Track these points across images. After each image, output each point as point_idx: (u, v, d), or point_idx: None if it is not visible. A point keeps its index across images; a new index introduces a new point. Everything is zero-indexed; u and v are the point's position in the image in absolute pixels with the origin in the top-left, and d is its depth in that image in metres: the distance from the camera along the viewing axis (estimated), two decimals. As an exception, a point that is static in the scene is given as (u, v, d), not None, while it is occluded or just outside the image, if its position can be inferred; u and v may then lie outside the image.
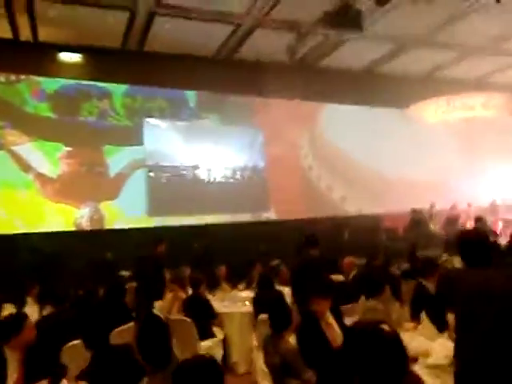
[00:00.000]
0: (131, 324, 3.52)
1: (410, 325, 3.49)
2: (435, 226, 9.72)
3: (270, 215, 9.75)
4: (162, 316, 3.37)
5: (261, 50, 9.45)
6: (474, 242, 2.55)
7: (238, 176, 9.65)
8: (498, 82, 12.33)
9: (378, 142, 10.66)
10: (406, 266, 5.65)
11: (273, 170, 9.90)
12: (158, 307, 4.23)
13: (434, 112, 11.96)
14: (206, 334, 4.13)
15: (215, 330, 4.39)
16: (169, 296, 4.59)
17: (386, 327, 1.48)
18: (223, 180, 9.54)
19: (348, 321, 3.19)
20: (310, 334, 3.18)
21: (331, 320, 3.18)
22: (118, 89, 9.15)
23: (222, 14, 8.05)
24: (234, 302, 4.97)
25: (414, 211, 9.64)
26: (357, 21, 7.35)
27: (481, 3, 8.04)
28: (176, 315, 4.15)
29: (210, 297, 4.97)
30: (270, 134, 10.00)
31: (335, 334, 3.09)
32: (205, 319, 4.20)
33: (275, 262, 6.52)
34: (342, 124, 10.48)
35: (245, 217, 9.48)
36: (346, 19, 7.33)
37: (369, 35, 9.02)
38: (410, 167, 10.83)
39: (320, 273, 4.30)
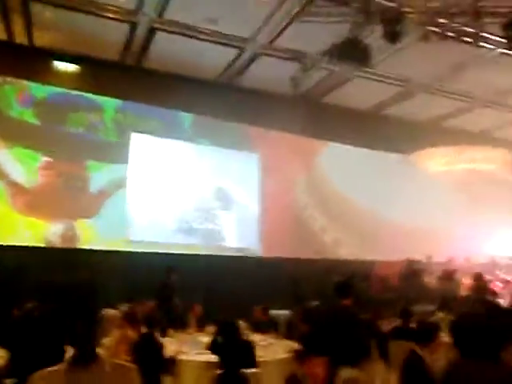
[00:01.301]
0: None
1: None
2: (431, 279, 9.15)
3: (258, 251, 9.18)
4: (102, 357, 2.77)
5: (264, 78, 9.16)
6: (470, 327, 2.15)
7: (227, 205, 9.13)
8: (500, 137, 12.08)
9: (377, 186, 10.24)
10: (397, 322, 5.06)
11: (266, 204, 9.41)
12: (107, 345, 3.63)
13: (437, 161, 11.64)
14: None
15: (167, 379, 3.74)
16: (116, 334, 3.96)
17: None
18: (211, 206, 9.02)
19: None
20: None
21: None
22: (110, 103, 8.76)
23: (227, 36, 7.80)
24: (196, 348, 4.29)
25: (410, 261, 9.10)
26: (365, 57, 7.01)
27: (491, 54, 7.84)
28: (122, 358, 3.53)
29: (169, 339, 4.34)
30: (266, 167, 9.56)
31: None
32: (154, 366, 3.57)
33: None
34: (343, 164, 10.07)
35: (231, 250, 8.94)
36: (353, 53, 7.01)
37: (376, 74, 8.82)
38: (408, 214, 10.37)
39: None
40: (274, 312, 6.41)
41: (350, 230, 9.89)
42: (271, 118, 9.31)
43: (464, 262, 10.75)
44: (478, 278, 7.60)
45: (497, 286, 9.84)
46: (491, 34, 7.10)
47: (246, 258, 8.96)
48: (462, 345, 2.14)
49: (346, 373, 2.43)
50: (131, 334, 4.00)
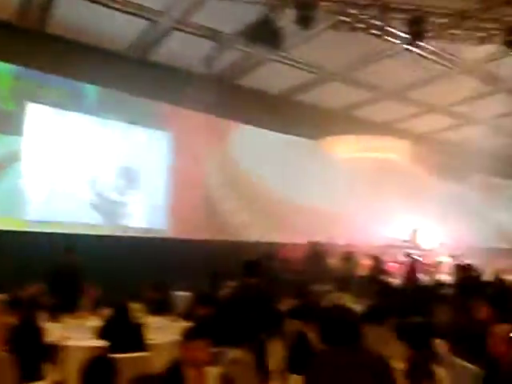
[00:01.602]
0: None
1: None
2: (332, 261, 9.60)
3: (164, 231, 8.98)
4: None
5: (177, 54, 8.87)
6: (335, 319, 2.33)
7: (133, 183, 8.78)
8: (403, 128, 12.89)
9: (287, 170, 10.48)
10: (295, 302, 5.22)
11: (175, 184, 9.20)
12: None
13: (344, 148, 12.17)
14: (34, 373, 3.23)
15: (50, 368, 3.50)
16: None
17: None
18: (116, 184, 8.61)
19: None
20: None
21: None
22: (6, 68, 7.96)
23: (138, 6, 7.39)
24: (85, 333, 4.03)
25: (313, 243, 9.45)
26: (277, 39, 7.03)
27: (396, 48, 8.24)
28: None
29: (57, 324, 4.06)
30: (177, 146, 9.32)
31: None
32: (33, 354, 3.32)
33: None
34: (255, 147, 10.12)
35: (135, 230, 8.64)
36: (265, 35, 7.00)
37: (289, 59, 8.91)
38: (315, 198, 10.74)
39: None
40: (176, 293, 6.32)
41: (259, 212, 10.03)
42: (184, 96, 9.05)
43: (364, 245, 11.44)
44: (375, 259, 8.13)
45: (392, 267, 10.62)
46: (397, 29, 7.45)
47: (153, 238, 8.72)
48: (325, 335, 2.30)
49: (231, 353, 2.43)
50: (12, 320, 3.67)
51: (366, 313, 4.17)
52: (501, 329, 2.90)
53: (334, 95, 10.70)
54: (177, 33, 8.08)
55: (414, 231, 12.39)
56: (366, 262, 9.29)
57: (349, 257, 8.57)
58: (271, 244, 9.92)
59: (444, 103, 11.04)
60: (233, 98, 9.88)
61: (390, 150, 13.12)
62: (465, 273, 7.15)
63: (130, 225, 8.69)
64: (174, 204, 9.04)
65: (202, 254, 8.47)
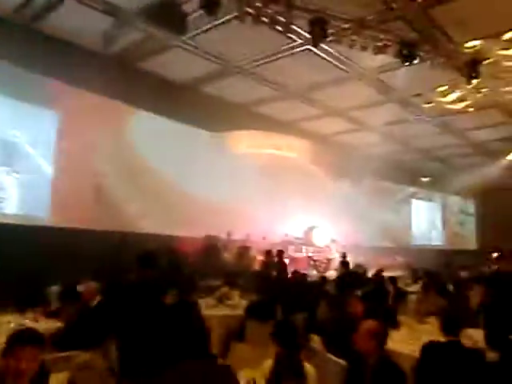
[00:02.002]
0: None
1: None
2: (228, 256, 9.56)
3: (45, 219, 8.21)
4: None
5: (72, 28, 8.14)
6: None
7: (10, 163, 7.91)
8: (305, 128, 13.27)
9: (187, 161, 10.19)
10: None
11: (61, 168, 8.44)
12: None
13: (246, 143, 12.21)
14: None
15: None
16: None
17: None
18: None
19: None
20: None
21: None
22: None
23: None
24: None
25: (209, 237, 9.32)
26: (180, 24, 6.75)
27: (300, 48, 8.37)
28: None
29: None
30: (66, 127, 8.57)
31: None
32: None
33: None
34: (153, 135, 9.63)
35: (12, 218, 7.80)
36: (168, 18, 6.67)
37: (194, 47, 8.63)
38: (214, 192, 10.57)
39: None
40: (52, 288, 5.78)
41: (154, 203, 9.60)
42: (78, 75, 8.34)
43: (261, 240, 11.58)
44: (267, 254, 8.21)
45: (285, 263, 10.86)
46: (302, 29, 7.54)
47: (33, 227, 7.93)
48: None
49: (79, 358, 2.13)
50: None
51: (249, 308, 4.09)
52: (366, 324, 2.96)
53: (238, 89, 10.63)
54: (71, 2, 7.37)
55: (310, 229, 12.81)
56: (260, 258, 9.37)
57: (243, 252, 8.56)
58: (167, 237, 9.60)
59: (342, 107, 11.53)
60: (132, 81, 9.33)
61: (292, 149, 13.45)
62: (345, 269, 7.48)
63: (5, 211, 7.80)
64: (59, 190, 8.30)
65: (89, 245, 7.89)
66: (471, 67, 7.73)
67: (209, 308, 5.20)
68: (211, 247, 9.04)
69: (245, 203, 11.41)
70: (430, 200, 20.01)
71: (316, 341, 3.81)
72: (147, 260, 4.25)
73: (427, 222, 19.63)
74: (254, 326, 3.73)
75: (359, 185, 15.82)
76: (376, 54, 7.27)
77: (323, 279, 6.76)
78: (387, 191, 17.52)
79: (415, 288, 7.52)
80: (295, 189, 12.84)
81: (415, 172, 18.07)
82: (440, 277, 8.15)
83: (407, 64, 7.32)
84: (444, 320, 3.48)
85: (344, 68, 9.14)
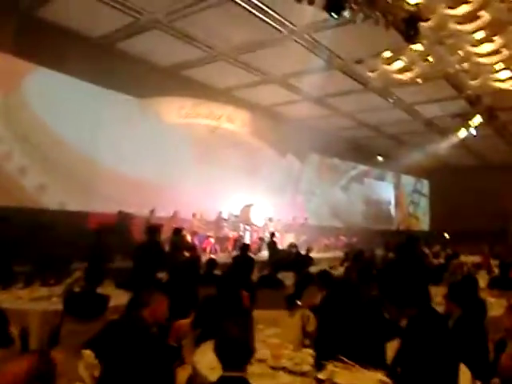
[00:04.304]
0: None
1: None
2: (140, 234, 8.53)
3: None
4: None
5: None
6: None
7: None
8: (244, 97, 12.21)
9: (100, 129, 9.01)
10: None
11: None
12: None
13: (177, 111, 11.10)
14: None
15: None
16: None
17: None
18: None
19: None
20: None
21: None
22: None
23: None
24: None
25: (122, 214, 8.28)
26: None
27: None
28: None
29: None
30: None
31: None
32: None
33: None
34: (57, 97, 8.40)
35: None
36: None
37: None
38: (135, 164, 9.50)
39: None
40: None
41: (59, 175, 8.42)
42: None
43: (192, 218, 10.62)
44: (176, 233, 7.28)
45: (208, 243, 9.99)
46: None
47: None
48: None
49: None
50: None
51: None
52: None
53: (163, 49, 9.45)
54: None
55: (247, 206, 11.91)
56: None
57: (154, 230, 7.55)
58: (74, 213, 8.51)
59: (280, 73, 10.54)
60: (35, 33, 8.04)
61: (230, 120, 12.44)
62: (241, 251, 6.69)
63: None
64: None
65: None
66: (410, 24, 6.87)
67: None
68: (122, 224, 8.01)
69: (173, 178, 10.39)
70: (382, 179, 19.49)
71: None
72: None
73: (379, 202, 19.12)
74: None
75: (305, 161, 15.02)
76: (299, 1, 6.28)
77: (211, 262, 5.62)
78: (337, 169, 16.81)
79: (340, 271, 6.72)
80: (233, 163, 11.89)
81: (367, 150, 17.39)
82: (372, 261, 7.41)
83: (336, 17, 6.37)
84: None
85: (274, 25, 8.13)
